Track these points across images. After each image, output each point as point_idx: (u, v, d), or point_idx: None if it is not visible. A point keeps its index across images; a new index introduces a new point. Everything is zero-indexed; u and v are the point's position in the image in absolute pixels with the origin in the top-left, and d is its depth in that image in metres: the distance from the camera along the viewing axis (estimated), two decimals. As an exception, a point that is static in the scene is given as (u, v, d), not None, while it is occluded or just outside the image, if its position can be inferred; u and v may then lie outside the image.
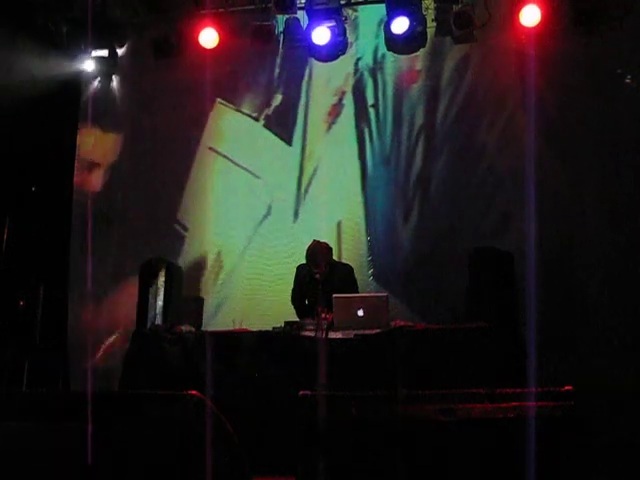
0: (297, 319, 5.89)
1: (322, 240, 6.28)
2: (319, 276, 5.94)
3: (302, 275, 6.21)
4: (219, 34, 7.52)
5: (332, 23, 7.32)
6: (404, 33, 7.26)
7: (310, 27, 7.38)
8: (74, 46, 7.77)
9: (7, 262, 6.98)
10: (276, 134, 7.87)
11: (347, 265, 6.42)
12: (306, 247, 6.12)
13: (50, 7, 7.39)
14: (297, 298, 6.24)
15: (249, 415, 4.79)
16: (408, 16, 7.19)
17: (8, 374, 6.31)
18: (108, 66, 7.99)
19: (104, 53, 7.87)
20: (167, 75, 7.86)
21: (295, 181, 7.70)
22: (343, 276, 6.12)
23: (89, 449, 2.77)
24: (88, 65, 7.94)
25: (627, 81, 6.87)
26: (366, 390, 3.24)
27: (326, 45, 7.46)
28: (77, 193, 7.96)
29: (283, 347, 5.23)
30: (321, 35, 7.36)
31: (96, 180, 8.04)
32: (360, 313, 5.19)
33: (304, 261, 6.14)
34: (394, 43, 7.48)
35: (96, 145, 8.10)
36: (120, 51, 8.07)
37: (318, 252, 6.01)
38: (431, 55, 7.58)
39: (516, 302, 5.66)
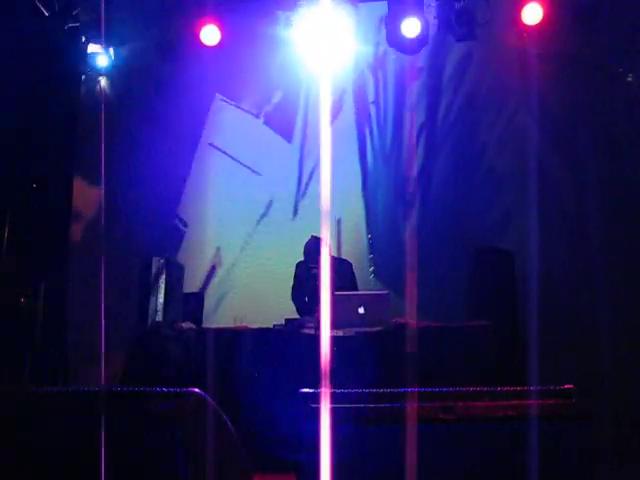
0: (298, 316, 5.89)
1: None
2: (317, 271, 5.94)
3: (301, 272, 6.21)
4: (220, 31, 7.51)
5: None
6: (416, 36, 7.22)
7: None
8: (75, 42, 7.76)
9: (8, 259, 6.97)
10: (276, 131, 7.86)
11: (346, 261, 6.42)
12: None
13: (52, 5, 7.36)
14: (297, 295, 6.25)
15: (250, 412, 4.79)
16: (412, 15, 7.15)
17: (9, 371, 6.31)
18: (109, 63, 7.97)
19: (105, 49, 7.85)
20: (168, 72, 7.85)
21: (295, 178, 7.70)
22: (341, 272, 6.12)
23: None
24: (89, 61, 7.93)
25: (628, 79, 6.87)
26: (367, 388, 3.25)
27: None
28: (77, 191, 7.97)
29: (284, 344, 5.23)
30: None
31: (95, 178, 8.04)
32: (361, 311, 5.20)
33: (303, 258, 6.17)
34: (398, 42, 7.44)
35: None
36: (121, 47, 8.06)
37: (316, 247, 6.02)
38: (432, 53, 7.56)
39: (516, 300, 5.67)
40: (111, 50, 7.90)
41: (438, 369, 4.82)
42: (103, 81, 8.15)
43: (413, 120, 7.53)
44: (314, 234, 6.26)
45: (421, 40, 7.24)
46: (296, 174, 7.71)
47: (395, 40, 7.41)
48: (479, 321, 5.23)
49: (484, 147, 7.27)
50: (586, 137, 6.91)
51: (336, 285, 5.54)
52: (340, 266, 6.20)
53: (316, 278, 5.92)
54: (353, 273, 6.26)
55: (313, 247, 6.04)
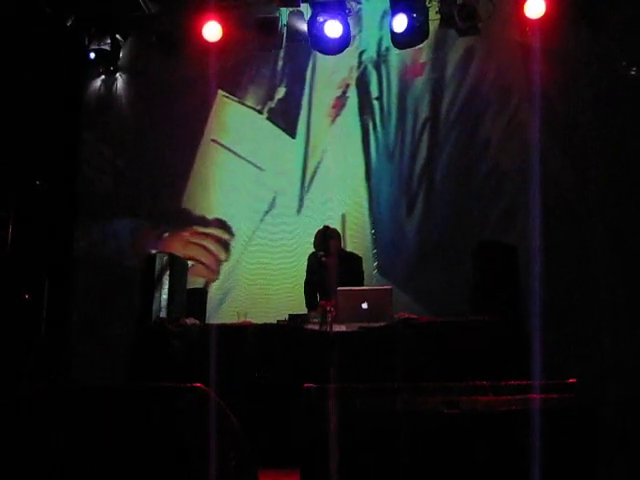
0: (302, 312, 5.88)
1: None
2: (325, 259, 5.93)
3: (312, 262, 6.21)
4: (223, 27, 7.51)
5: (338, 18, 7.30)
6: (404, 31, 7.23)
7: (314, 20, 7.35)
8: (78, 40, 7.77)
9: (12, 256, 6.99)
10: (280, 127, 7.87)
11: (356, 255, 6.42)
12: (312, 238, 6.18)
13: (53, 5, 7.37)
14: (309, 286, 6.22)
15: (253, 407, 4.80)
16: (410, 11, 7.15)
17: (13, 368, 6.33)
18: (112, 59, 7.98)
19: (108, 47, 7.86)
20: (171, 68, 7.86)
21: (299, 174, 7.70)
22: (350, 265, 6.11)
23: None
24: (92, 58, 7.94)
25: (632, 73, 6.85)
26: (370, 383, 3.25)
27: (332, 38, 7.43)
28: (82, 186, 7.99)
29: (287, 340, 5.23)
30: (334, 28, 7.31)
31: (100, 175, 8.06)
32: (364, 306, 5.19)
33: (310, 251, 6.19)
34: (397, 38, 7.45)
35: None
36: (124, 44, 8.07)
37: (326, 236, 6.04)
38: (435, 48, 7.56)
39: (520, 295, 5.66)
40: (113, 47, 7.92)
41: (441, 364, 4.82)
42: (106, 77, 8.17)
43: (416, 115, 7.53)
44: (327, 224, 6.27)
45: (417, 34, 7.25)
46: (300, 170, 7.71)
47: (393, 35, 7.42)
48: (482, 315, 5.22)
49: (487, 142, 7.26)
50: (589, 131, 6.89)
51: (345, 279, 5.54)
52: (350, 260, 6.19)
53: (325, 267, 5.92)
54: (362, 269, 6.26)
55: (323, 235, 6.05)
